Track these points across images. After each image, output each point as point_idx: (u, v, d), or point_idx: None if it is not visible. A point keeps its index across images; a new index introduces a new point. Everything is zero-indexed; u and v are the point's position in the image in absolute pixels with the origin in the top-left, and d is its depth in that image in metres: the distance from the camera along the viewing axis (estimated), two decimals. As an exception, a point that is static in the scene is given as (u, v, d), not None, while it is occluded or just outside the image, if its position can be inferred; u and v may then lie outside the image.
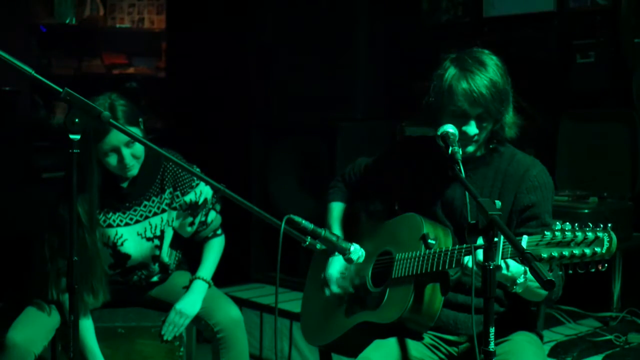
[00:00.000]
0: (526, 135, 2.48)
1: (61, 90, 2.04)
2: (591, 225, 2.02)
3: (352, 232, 2.76)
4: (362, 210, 2.82)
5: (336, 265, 2.66)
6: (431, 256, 2.34)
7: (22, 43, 5.41)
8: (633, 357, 3.40)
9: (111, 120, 2.12)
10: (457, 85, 2.37)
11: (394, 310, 2.40)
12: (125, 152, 2.81)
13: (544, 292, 2.34)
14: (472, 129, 2.39)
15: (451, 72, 2.39)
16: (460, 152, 2.28)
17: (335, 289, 2.64)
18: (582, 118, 4.15)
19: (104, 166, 2.85)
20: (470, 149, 2.41)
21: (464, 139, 2.39)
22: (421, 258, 2.37)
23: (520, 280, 2.21)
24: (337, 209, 2.81)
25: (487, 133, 2.43)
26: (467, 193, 2.17)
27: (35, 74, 2.00)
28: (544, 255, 2.01)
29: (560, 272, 2.24)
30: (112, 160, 2.82)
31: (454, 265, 2.30)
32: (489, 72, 2.37)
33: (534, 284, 2.25)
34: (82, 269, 2.76)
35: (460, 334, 2.48)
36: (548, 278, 1.81)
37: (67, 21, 5.87)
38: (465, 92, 2.36)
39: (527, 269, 2.20)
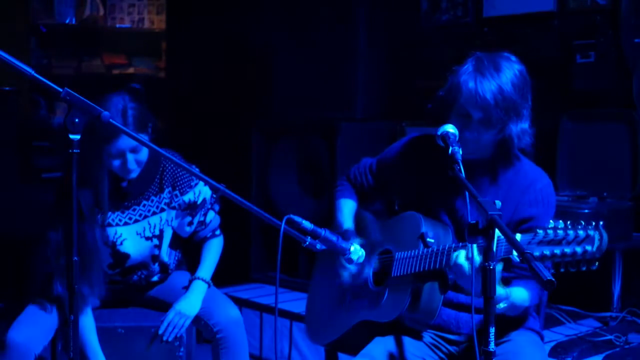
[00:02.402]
0: (535, 134, 2.46)
1: (61, 90, 2.04)
2: (583, 223, 2.02)
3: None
4: (362, 209, 2.82)
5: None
6: (429, 255, 2.34)
7: (22, 43, 5.41)
8: (633, 357, 3.40)
9: (111, 120, 2.11)
10: (465, 84, 2.36)
11: (393, 309, 2.41)
12: (130, 157, 2.81)
13: (518, 311, 2.36)
14: (471, 131, 2.37)
15: (467, 69, 2.38)
16: (461, 152, 2.28)
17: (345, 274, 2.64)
18: (583, 118, 4.15)
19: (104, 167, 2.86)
20: (470, 150, 2.38)
21: (464, 138, 2.37)
22: (420, 257, 2.37)
23: (502, 305, 2.22)
24: (347, 205, 2.80)
25: (491, 139, 2.40)
26: (467, 193, 2.17)
27: (35, 74, 2.00)
28: (536, 253, 2.02)
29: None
30: (116, 163, 2.83)
31: (451, 264, 2.30)
32: (501, 79, 2.33)
33: (515, 305, 2.28)
34: (81, 261, 2.77)
35: (462, 333, 2.48)
36: (548, 278, 1.81)
37: (67, 21, 5.87)
38: (470, 93, 2.34)
39: (510, 293, 2.23)
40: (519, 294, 2.32)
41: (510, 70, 2.36)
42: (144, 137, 2.81)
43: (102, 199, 2.88)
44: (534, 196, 2.41)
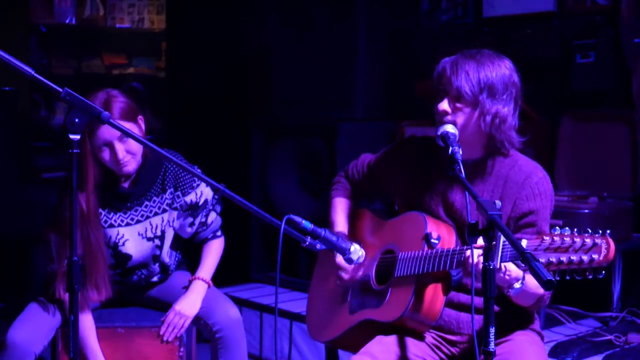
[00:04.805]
0: (526, 135, 2.47)
1: (61, 90, 2.04)
2: (590, 231, 2.02)
3: (356, 229, 2.76)
4: (365, 208, 2.82)
5: None
6: (433, 256, 2.35)
7: (22, 43, 5.41)
8: (633, 357, 3.40)
9: (111, 120, 2.12)
10: (443, 61, 2.42)
11: (396, 308, 2.41)
12: (119, 146, 2.80)
13: (532, 299, 2.34)
14: (443, 104, 2.39)
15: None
16: (461, 152, 2.28)
17: (345, 275, 2.64)
18: (582, 118, 4.15)
19: (103, 165, 2.86)
20: (446, 126, 2.37)
21: (438, 114, 2.40)
22: (423, 258, 2.37)
23: (517, 285, 2.21)
24: (341, 204, 2.80)
25: (469, 120, 2.39)
26: (467, 193, 2.18)
27: (35, 74, 2.00)
28: (542, 260, 2.02)
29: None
30: (106, 155, 2.83)
31: (454, 266, 2.30)
32: (479, 61, 2.38)
33: (528, 290, 2.26)
34: (86, 264, 2.78)
35: (462, 334, 2.48)
36: (548, 278, 1.81)
37: (67, 21, 5.87)
38: (445, 67, 2.40)
39: (525, 275, 2.22)
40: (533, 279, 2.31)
41: (496, 60, 2.40)
42: (132, 126, 2.82)
43: (101, 199, 2.88)
44: (530, 190, 2.41)
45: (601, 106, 4.19)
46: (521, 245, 1.96)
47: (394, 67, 4.72)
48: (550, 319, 3.80)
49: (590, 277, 2.01)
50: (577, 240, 2.01)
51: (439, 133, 2.36)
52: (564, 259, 2.01)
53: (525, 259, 1.87)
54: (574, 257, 2.00)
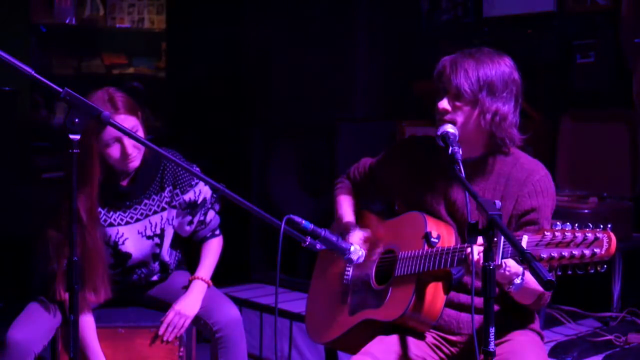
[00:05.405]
0: (526, 135, 2.47)
1: (61, 90, 2.04)
2: (591, 226, 2.02)
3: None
4: (365, 208, 2.83)
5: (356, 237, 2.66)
6: (434, 254, 2.35)
7: (22, 43, 5.41)
8: (633, 357, 3.40)
9: (111, 120, 2.12)
10: (443, 60, 2.43)
11: (396, 307, 2.41)
12: (128, 142, 2.81)
13: (533, 297, 2.34)
14: (443, 102, 2.40)
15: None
16: (461, 152, 2.28)
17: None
18: (582, 118, 4.15)
19: (104, 163, 2.85)
20: (447, 126, 2.38)
21: (438, 113, 2.41)
22: (424, 257, 2.37)
23: (517, 281, 2.21)
24: (346, 200, 2.80)
25: (469, 118, 2.39)
26: (467, 193, 2.18)
27: (35, 74, 2.00)
28: (544, 255, 2.02)
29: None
30: (114, 151, 2.82)
31: (455, 264, 2.31)
32: (478, 59, 2.38)
33: (528, 286, 2.26)
34: (84, 266, 2.77)
35: (463, 334, 2.48)
36: (548, 278, 1.81)
37: (67, 21, 5.87)
38: (444, 66, 2.41)
39: (525, 271, 2.22)
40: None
41: (496, 58, 2.41)
42: (136, 121, 2.83)
43: (93, 199, 2.87)
44: (532, 188, 2.42)
45: (601, 106, 4.19)
46: (521, 246, 1.96)
47: (394, 67, 4.72)
48: (550, 319, 3.80)
49: (592, 271, 2.01)
50: (579, 235, 2.01)
51: (438, 133, 2.36)
52: (565, 253, 2.01)
53: (525, 259, 1.88)
54: (575, 252, 2.00)
